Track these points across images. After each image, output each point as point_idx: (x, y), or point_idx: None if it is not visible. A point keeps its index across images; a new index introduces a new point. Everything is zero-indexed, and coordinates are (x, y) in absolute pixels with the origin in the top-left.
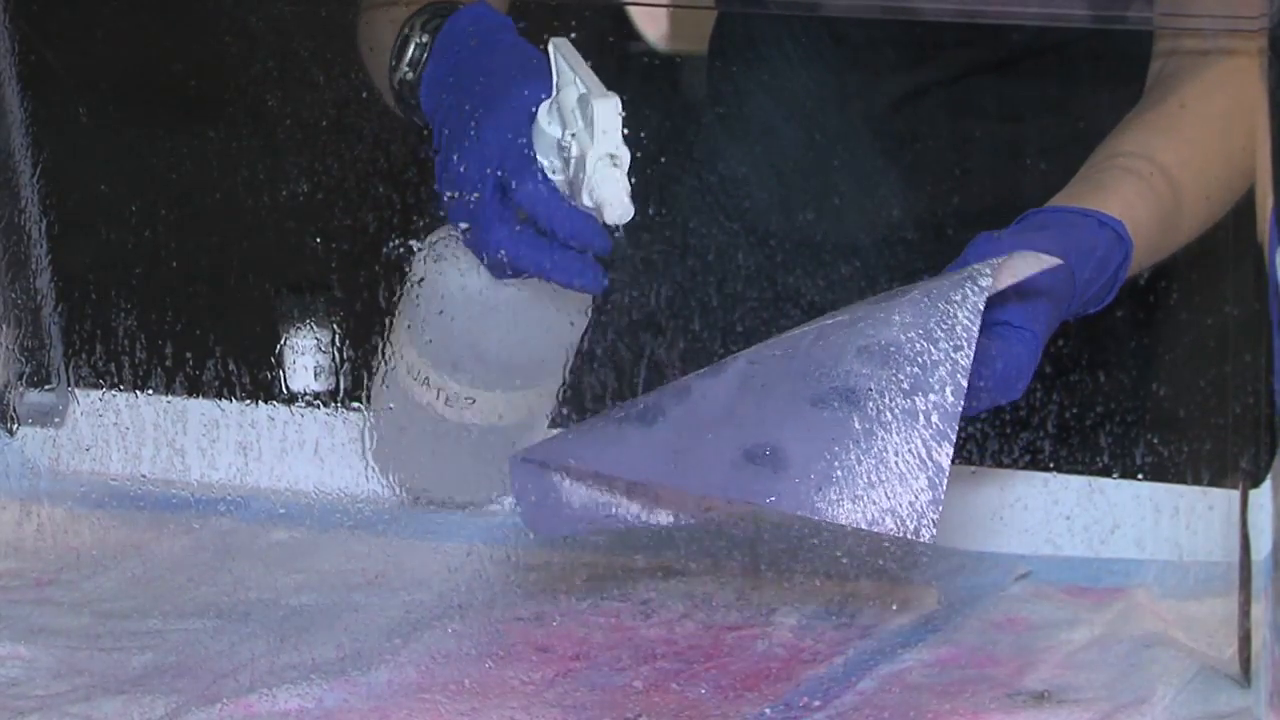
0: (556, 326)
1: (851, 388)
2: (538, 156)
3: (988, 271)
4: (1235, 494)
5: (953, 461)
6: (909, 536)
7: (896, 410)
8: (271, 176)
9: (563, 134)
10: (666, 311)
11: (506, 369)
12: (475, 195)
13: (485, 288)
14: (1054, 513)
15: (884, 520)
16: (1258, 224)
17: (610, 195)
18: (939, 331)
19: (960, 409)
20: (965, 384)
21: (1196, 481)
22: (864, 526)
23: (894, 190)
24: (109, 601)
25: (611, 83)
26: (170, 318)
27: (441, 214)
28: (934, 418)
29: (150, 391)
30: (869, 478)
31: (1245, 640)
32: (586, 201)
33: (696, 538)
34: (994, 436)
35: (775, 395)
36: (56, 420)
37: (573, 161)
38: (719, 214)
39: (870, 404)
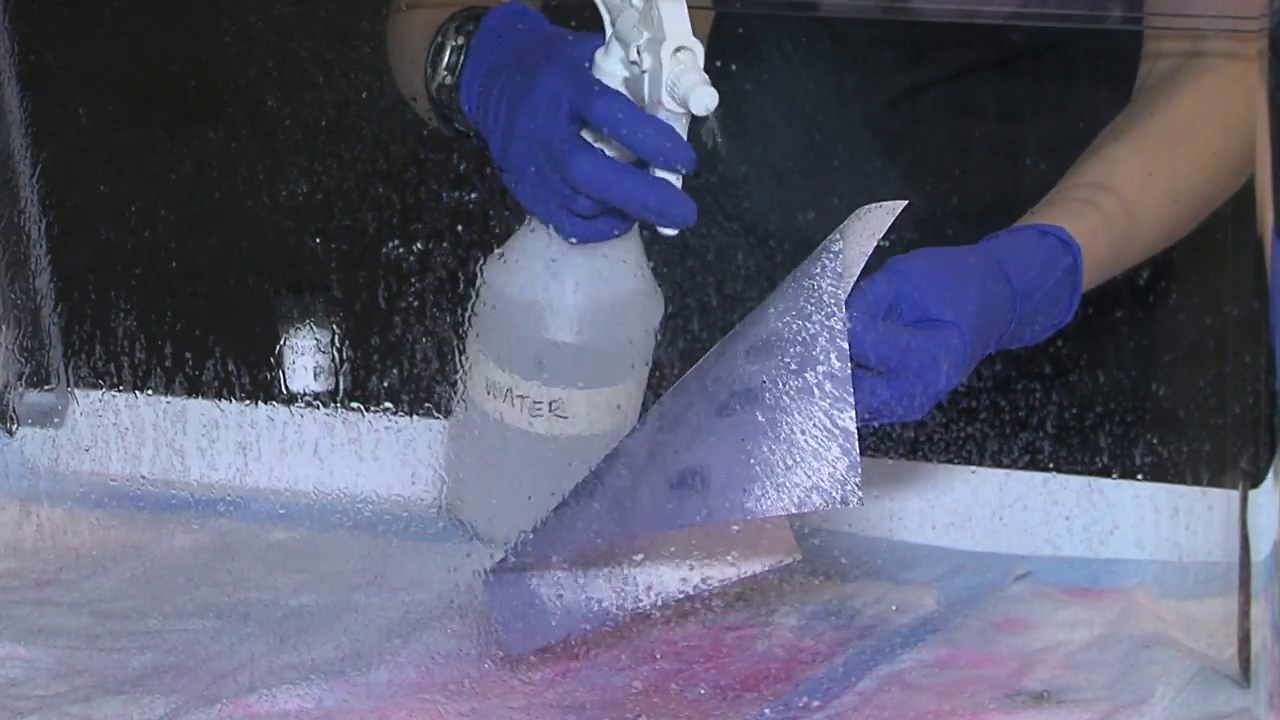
0: (640, 299)
1: (748, 387)
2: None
3: (838, 236)
4: (1235, 494)
5: (951, 462)
6: (836, 506)
7: (792, 392)
8: (271, 177)
9: (627, 54)
10: (666, 312)
11: (595, 356)
12: (547, 142)
13: (562, 259)
14: (1053, 513)
15: (810, 498)
16: (1258, 222)
17: (693, 82)
18: (809, 307)
19: (849, 372)
20: (848, 346)
21: (1196, 482)
22: (794, 511)
23: (893, 190)
24: (108, 602)
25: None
26: (170, 318)
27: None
28: (828, 387)
29: (150, 392)
30: (785, 463)
31: (1245, 640)
32: (668, 103)
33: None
34: (994, 437)
35: (685, 421)
36: (56, 420)
37: (646, 77)
38: (718, 214)
39: (767, 395)
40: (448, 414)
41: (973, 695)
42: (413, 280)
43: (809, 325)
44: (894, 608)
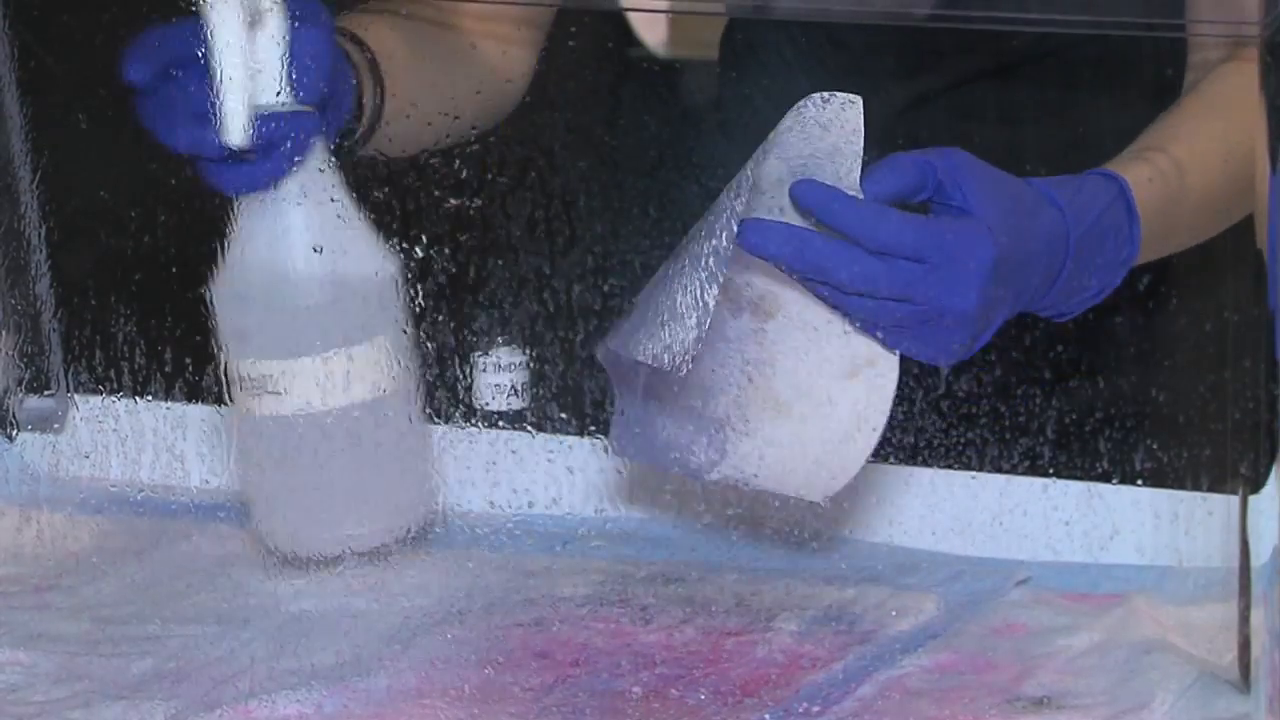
0: (360, 243)
1: (678, 253)
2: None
3: (788, 124)
4: (1235, 499)
5: (951, 467)
6: (669, 369)
7: (689, 259)
8: None
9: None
10: None
11: (311, 317)
12: None
13: (250, 219)
14: (1053, 518)
15: (662, 356)
16: (1256, 229)
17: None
18: (734, 188)
19: (730, 252)
20: (736, 228)
21: (1196, 487)
22: (647, 361)
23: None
24: (108, 607)
25: (611, 88)
26: (170, 324)
27: None
28: (710, 260)
29: (150, 397)
30: (662, 319)
31: (1245, 646)
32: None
33: (695, 542)
34: (993, 442)
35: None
36: (56, 426)
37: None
38: None
39: (683, 258)
40: (449, 420)
41: (973, 701)
42: (412, 286)
43: (725, 202)
44: (894, 613)
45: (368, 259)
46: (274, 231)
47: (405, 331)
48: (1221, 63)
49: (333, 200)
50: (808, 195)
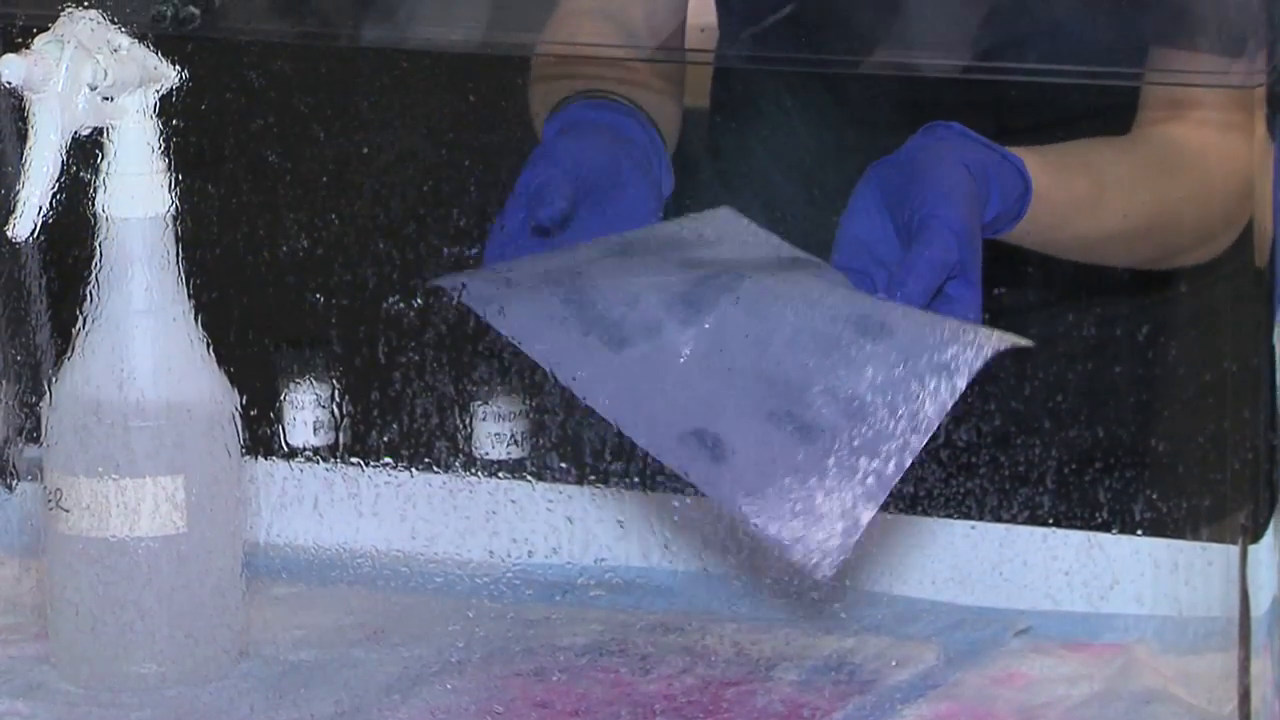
0: (194, 376)
1: (809, 423)
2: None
3: (964, 369)
4: (1234, 549)
5: (951, 517)
6: (807, 569)
7: (841, 460)
8: (271, 231)
9: None
10: None
11: (108, 438)
12: None
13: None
14: (1053, 568)
15: (793, 547)
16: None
17: None
18: (903, 409)
19: (895, 482)
20: (908, 464)
21: (1196, 537)
22: (771, 542)
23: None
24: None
25: None
26: None
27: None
28: (870, 480)
29: None
30: (795, 506)
31: (1245, 696)
32: None
33: (695, 592)
34: (993, 492)
35: (735, 388)
36: None
37: None
38: None
39: (820, 444)
40: (448, 469)
41: None
42: (413, 335)
43: (893, 424)
44: (894, 663)
45: (195, 391)
46: (114, 338)
47: (233, 470)
48: (1168, 120)
49: (174, 320)
50: None
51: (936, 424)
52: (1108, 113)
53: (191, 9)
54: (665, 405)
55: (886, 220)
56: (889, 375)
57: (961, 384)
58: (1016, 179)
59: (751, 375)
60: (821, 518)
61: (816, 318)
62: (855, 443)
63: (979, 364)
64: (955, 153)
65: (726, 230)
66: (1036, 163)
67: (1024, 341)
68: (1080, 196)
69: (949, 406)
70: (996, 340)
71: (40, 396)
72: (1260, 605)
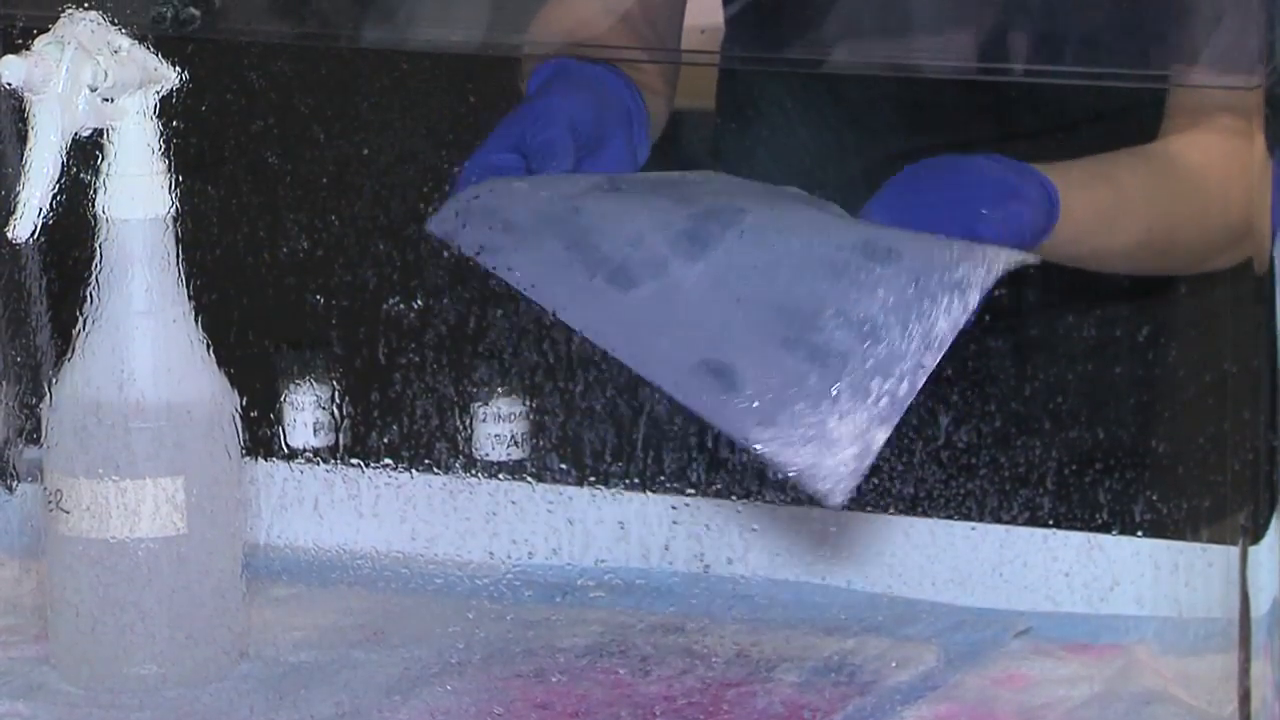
0: (193, 376)
1: (821, 347)
2: None
3: (975, 286)
4: (1235, 550)
5: (951, 518)
6: (819, 497)
7: (855, 382)
8: (271, 232)
9: None
10: None
11: (108, 439)
12: None
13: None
14: (1053, 569)
15: (805, 475)
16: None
17: None
18: (916, 329)
19: (908, 402)
20: (920, 383)
21: (1196, 538)
22: (784, 472)
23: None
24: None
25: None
26: None
27: None
28: (883, 402)
29: None
30: (807, 432)
31: (1245, 697)
32: None
33: (695, 593)
34: (993, 493)
35: (745, 318)
36: None
37: None
38: None
39: (833, 367)
40: (448, 470)
41: None
42: (413, 336)
43: (905, 344)
44: (894, 664)
45: (195, 392)
46: (114, 339)
47: (233, 471)
48: (1191, 128)
49: (175, 321)
50: None
51: (950, 341)
52: (1116, 115)
53: (192, 10)
54: (675, 340)
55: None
56: (900, 296)
57: (974, 301)
58: (1042, 196)
59: (761, 304)
60: (835, 442)
61: (823, 245)
62: (868, 364)
63: (991, 281)
64: (981, 164)
65: (713, 177)
66: (1060, 178)
67: (1032, 259)
68: (1103, 210)
69: (962, 324)
70: (1006, 258)
71: (40, 398)
72: (1260, 607)
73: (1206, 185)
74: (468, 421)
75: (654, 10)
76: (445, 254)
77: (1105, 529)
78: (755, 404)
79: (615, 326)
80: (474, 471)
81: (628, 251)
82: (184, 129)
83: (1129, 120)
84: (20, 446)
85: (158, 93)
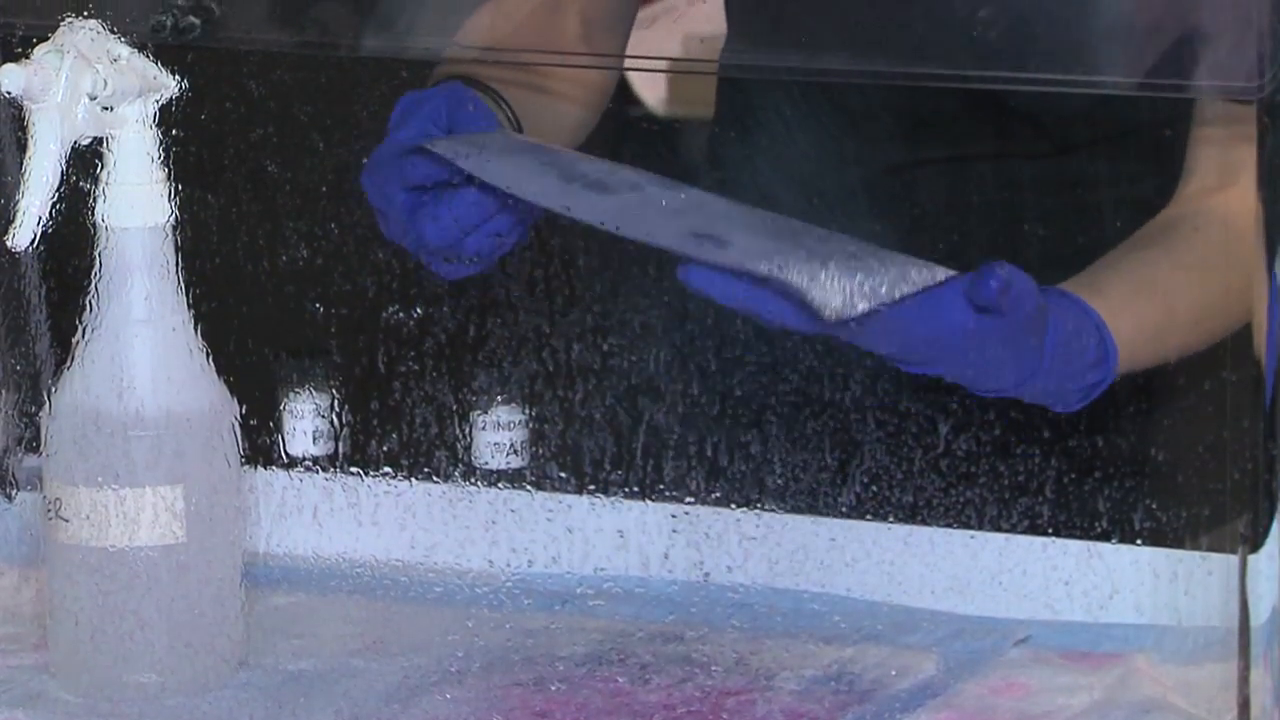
0: (192, 383)
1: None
2: None
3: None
4: (1234, 559)
5: (950, 526)
6: (824, 312)
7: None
8: (271, 241)
9: None
10: (665, 376)
11: (107, 447)
12: None
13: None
14: (1053, 577)
15: (809, 287)
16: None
17: None
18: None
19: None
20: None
21: (1195, 546)
22: (786, 287)
23: None
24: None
25: (611, 147)
26: None
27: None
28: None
29: None
30: (807, 253)
31: (1245, 706)
32: None
33: (695, 602)
34: (992, 501)
35: (730, 210)
36: None
37: None
38: None
39: (825, 236)
40: (447, 479)
41: None
42: (412, 345)
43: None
44: (894, 672)
45: (195, 401)
46: (114, 347)
47: (232, 479)
48: (1217, 191)
49: (174, 330)
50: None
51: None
52: (1118, 131)
53: (191, 19)
54: (661, 222)
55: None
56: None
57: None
58: (1103, 352)
59: (743, 206)
60: (829, 259)
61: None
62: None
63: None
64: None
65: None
66: (1102, 304)
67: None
68: (1148, 327)
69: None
70: None
71: (40, 406)
72: (1260, 615)
73: (1245, 254)
74: (467, 430)
75: (600, 13)
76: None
77: (1105, 537)
78: (752, 250)
79: (598, 214)
80: (473, 480)
81: (603, 174)
82: (183, 137)
83: (1132, 135)
84: (20, 455)
85: (157, 101)
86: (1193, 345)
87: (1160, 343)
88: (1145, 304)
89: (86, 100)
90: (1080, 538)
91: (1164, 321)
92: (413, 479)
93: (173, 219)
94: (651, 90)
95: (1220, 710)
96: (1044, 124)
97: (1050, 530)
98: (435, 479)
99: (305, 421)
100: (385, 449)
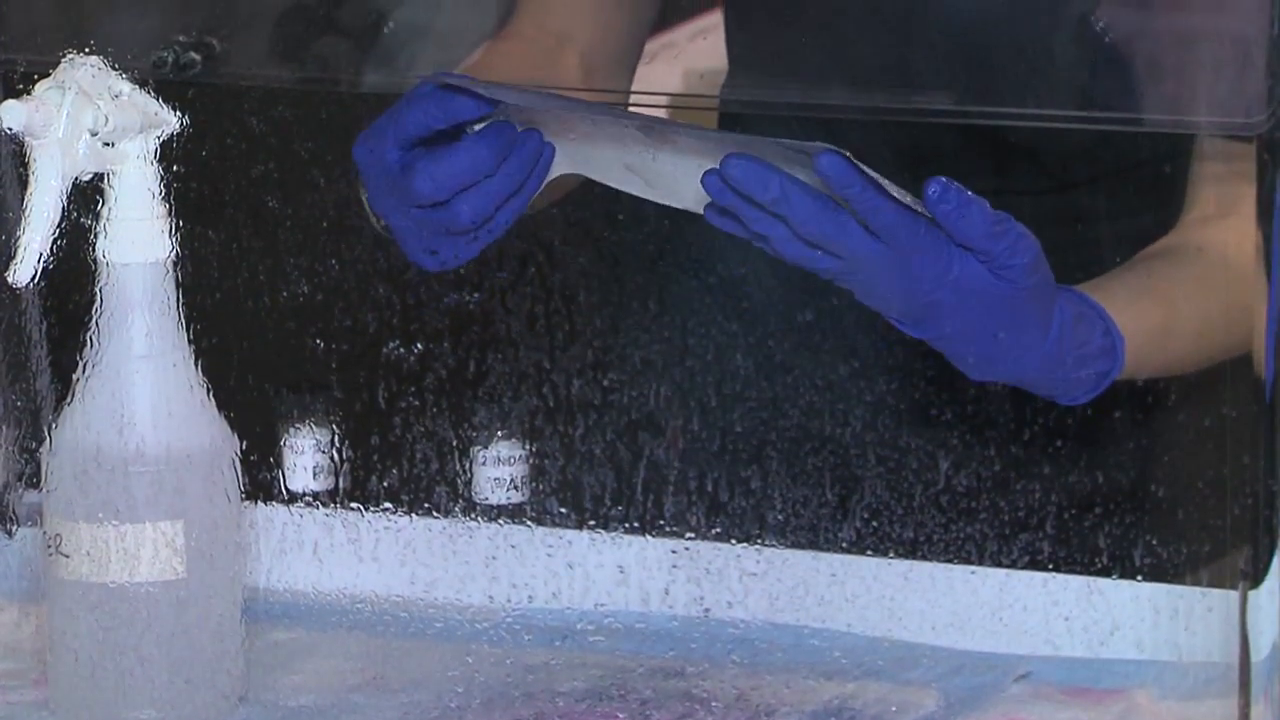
0: (192, 419)
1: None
2: None
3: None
4: (1234, 595)
5: (951, 562)
6: None
7: None
8: (271, 277)
9: None
10: (665, 412)
11: (108, 483)
12: None
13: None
14: (1053, 613)
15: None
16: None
17: None
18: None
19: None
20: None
21: (1195, 582)
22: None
23: None
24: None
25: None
26: None
27: None
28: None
29: None
30: None
31: None
32: None
33: (695, 637)
34: (993, 537)
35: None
36: None
37: None
38: (717, 314)
39: None
40: (448, 514)
41: None
42: (413, 380)
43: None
44: (894, 708)
45: (195, 436)
46: (114, 383)
47: (232, 515)
48: (1219, 219)
49: (175, 365)
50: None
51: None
52: (1118, 168)
53: (192, 55)
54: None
55: None
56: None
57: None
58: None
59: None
60: None
61: None
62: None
63: None
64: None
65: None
66: (1108, 301)
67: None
68: (1153, 328)
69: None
70: None
71: (40, 442)
72: (1260, 651)
73: (1242, 286)
74: (467, 465)
75: (602, 57)
76: (447, 299)
77: (1105, 573)
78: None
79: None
80: (473, 515)
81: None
82: (184, 173)
83: (1132, 172)
84: (20, 490)
85: (158, 137)
86: (1195, 358)
87: (1164, 347)
88: (1149, 305)
89: (88, 136)
90: (1081, 573)
91: (1168, 325)
92: (413, 514)
93: (173, 254)
94: None
95: None
96: (1044, 161)
97: (1051, 566)
98: (435, 514)
99: (305, 457)
100: (386, 484)
